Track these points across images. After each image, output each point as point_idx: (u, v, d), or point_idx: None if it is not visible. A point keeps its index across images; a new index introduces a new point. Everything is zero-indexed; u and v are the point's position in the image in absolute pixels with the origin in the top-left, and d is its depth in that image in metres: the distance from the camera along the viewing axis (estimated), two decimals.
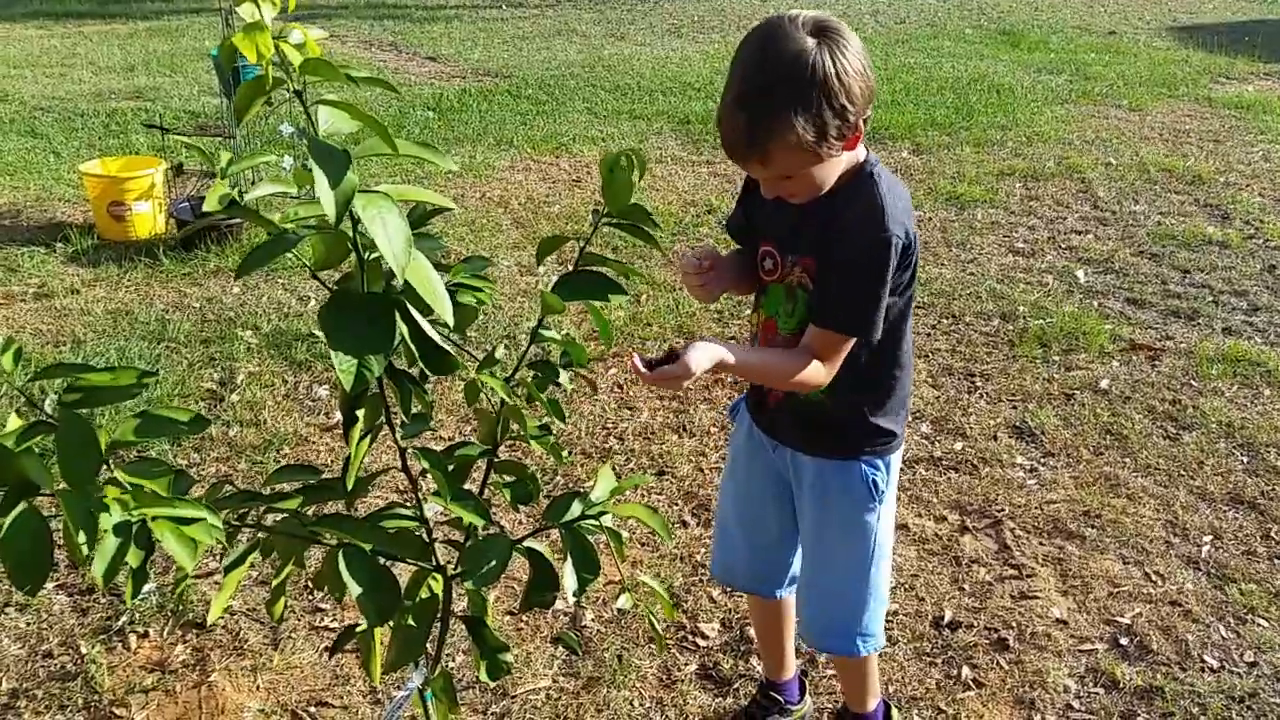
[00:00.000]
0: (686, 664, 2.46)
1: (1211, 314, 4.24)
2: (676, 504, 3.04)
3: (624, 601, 1.34)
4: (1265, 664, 2.46)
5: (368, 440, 1.31)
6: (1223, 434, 3.40)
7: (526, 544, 1.39)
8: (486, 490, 1.48)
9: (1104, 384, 3.70)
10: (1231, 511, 3.02)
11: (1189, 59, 9.44)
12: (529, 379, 1.41)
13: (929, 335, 4.10)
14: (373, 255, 1.27)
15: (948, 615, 2.62)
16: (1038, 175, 6.00)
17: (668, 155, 6.44)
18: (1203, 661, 2.47)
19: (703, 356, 1.53)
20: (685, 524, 2.95)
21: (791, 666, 2.26)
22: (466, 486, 1.45)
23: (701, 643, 2.52)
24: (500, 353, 1.41)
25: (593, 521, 1.36)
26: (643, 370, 1.51)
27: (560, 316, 4.02)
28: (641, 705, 2.33)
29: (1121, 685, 2.40)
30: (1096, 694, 2.38)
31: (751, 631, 2.52)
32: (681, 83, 8.34)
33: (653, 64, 9.13)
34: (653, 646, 2.50)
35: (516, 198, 5.59)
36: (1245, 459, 3.27)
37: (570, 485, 3.09)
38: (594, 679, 2.40)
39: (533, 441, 1.38)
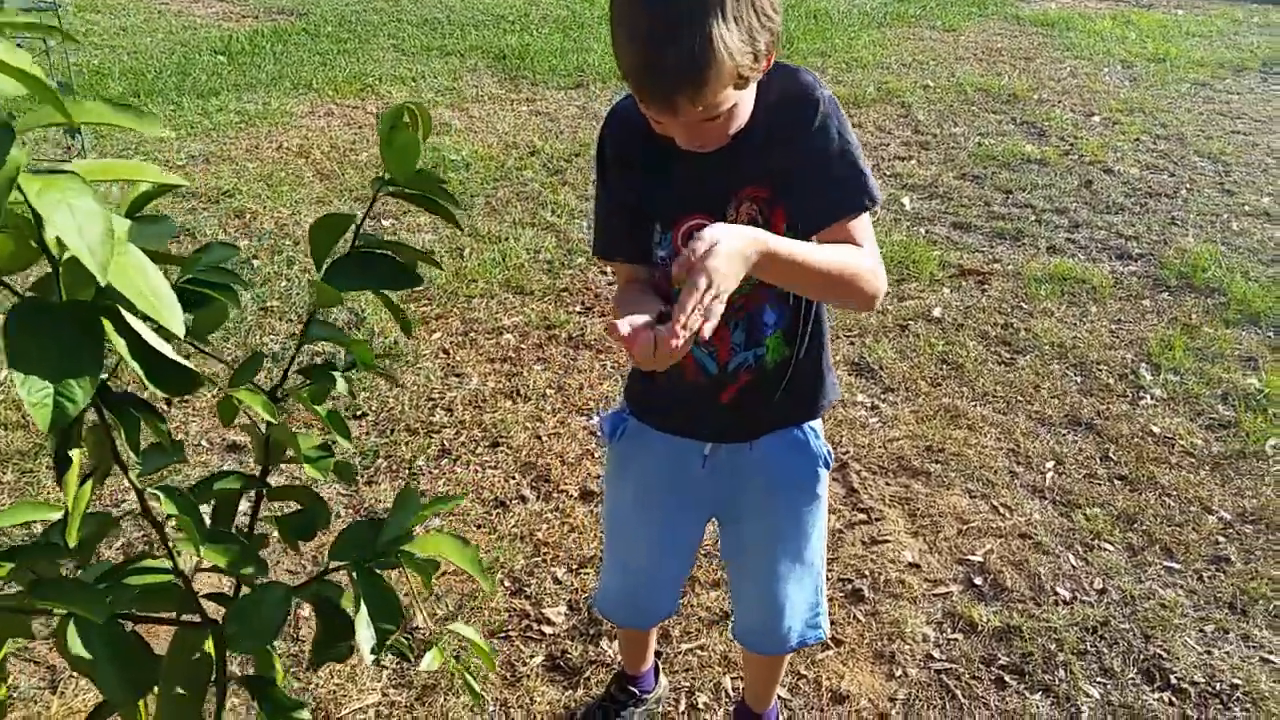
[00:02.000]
0: (532, 656, 2.26)
1: (1036, 234, 4.28)
2: (514, 478, 2.82)
3: (429, 661, 1.11)
4: (1114, 590, 2.46)
5: (89, 485, 1.03)
6: (1055, 355, 3.41)
7: (313, 589, 1.15)
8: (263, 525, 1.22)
9: (936, 312, 3.67)
10: (1070, 434, 3.02)
11: None
12: (300, 390, 1.15)
13: None
14: (69, 254, 0.98)
15: None
16: (859, 101, 5.95)
17: (484, 94, 6.08)
18: (1056, 594, 2.44)
19: (732, 247, 1.17)
20: (524, 499, 2.74)
21: (651, 657, 2.10)
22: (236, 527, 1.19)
23: (547, 630, 2.33)
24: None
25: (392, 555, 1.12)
26: (645, 333, 1.18)
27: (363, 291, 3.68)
28: (485, 709, 2.13)
29: (979, 628, 2.34)
30: (955, 640, 2.32)
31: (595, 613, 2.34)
32: (494, 15, 7.93)
33: None
34: (500, 641, 2.29)
35: (319, 146, 5.15)
36: (1079, 379, 3.29)
37: (396, 469, 2.82)
38: (429, 687, 2.17)
39: (307, 466, 1.13)
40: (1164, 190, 4.71)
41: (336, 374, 1.20)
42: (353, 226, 1.14)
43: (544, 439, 2.96)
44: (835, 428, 3.03)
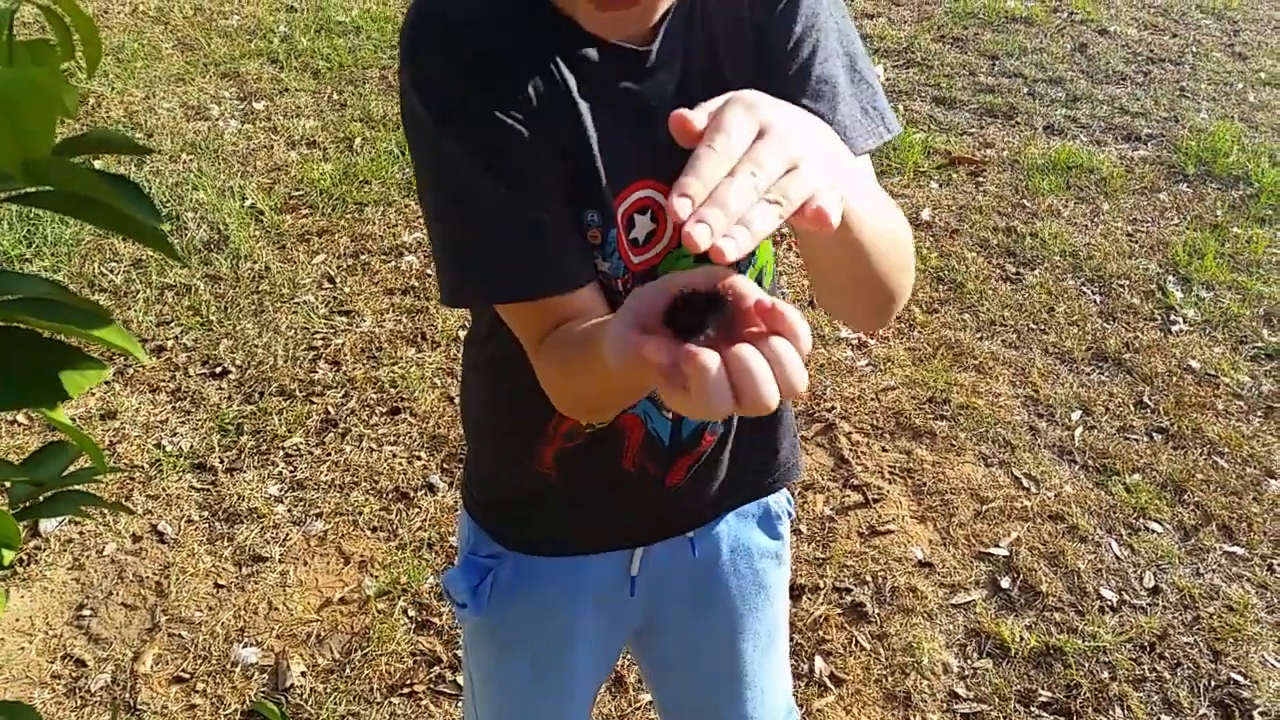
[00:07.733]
0: (457, 717, 1.73)
1: (1030, 110, 3.67)
2: (419, 457, 2.23)
3: None
4: (1168, 587, 1.99)
5: None
6: (1069, 268, 2.87)
7: None
8: None
9: (925, 215, 3.09)
10: (1096, 373, 2.51)
11: None
12: None
13: None
14: None
15: None
16: None
17: None
18: (1100, 598, 1.97)
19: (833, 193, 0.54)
20: (433, 488, 2.16)
21: None
22: None
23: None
24: None
25: None
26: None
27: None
28: None
29: (1012, 651, 1.86)
30: (984, 670, 1.84)
31: None
32: None
33: None
34: (403, 699, 1.75)
35: (180, 8, 4.29)
36: (1098, 297, 2.76)
37: (265, 450, 2.20)
38: None
39: None
40: (1168, 55, 4.12)
41: None
42: None
43: (458, 401, 2.37)
44: (815, 374, 2.47)
